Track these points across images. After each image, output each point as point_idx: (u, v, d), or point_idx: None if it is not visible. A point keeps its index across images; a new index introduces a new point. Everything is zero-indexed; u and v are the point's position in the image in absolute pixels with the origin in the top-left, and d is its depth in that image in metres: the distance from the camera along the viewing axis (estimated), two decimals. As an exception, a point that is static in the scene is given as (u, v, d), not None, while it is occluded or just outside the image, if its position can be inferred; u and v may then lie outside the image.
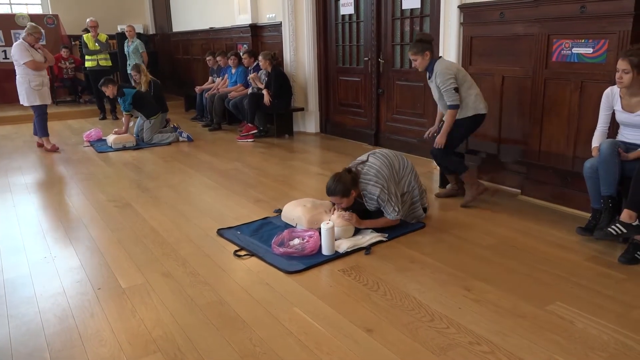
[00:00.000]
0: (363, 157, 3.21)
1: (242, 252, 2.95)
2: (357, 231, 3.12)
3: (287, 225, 3.30)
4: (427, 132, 3.89)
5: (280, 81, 6.28)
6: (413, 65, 3.58)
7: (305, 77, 6.66)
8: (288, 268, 2.70)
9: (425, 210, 3.37)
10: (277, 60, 6.54)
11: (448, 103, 3.52)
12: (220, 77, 7.68)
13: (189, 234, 3.29)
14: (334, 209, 3.15)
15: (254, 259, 2.87)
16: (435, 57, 3.57)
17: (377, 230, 3.13)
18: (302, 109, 6.74)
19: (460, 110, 3.57)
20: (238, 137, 6.43)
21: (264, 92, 6.29)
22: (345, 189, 2.99)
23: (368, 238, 3.02)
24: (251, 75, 6.64)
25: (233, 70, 7.28)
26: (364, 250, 2.91)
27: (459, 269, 2.67)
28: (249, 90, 6.72)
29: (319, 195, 3.78)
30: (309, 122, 6.81)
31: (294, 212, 3.29)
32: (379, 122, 5.80)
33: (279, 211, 3.57)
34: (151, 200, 4.07)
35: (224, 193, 4.20)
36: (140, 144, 6.24)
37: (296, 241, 2.97)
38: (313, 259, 2.80)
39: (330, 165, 4.95)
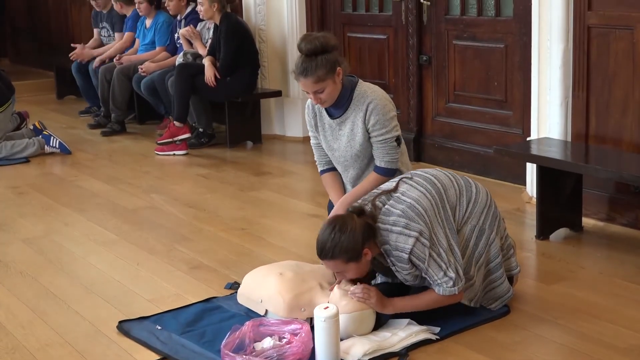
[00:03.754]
0: (389, 185, 3.26)
1: (166, 365, 2.97)
2: (380, 321, 3.14)
3: (251, 313, 3.33)
4: None
5: (237, 42, 6.32)
6: (313, 101, 3.56)
7: (285, 36, 6.73)
8: (252, 394, 2.72)
9: (511, 281, 3.41)
10: (232, 3, 6.59)
11: (382, 164, 3.57)
12: (124, 33, 7.72)
13: (64, 332, 3.28)
14: (337, 282, 3.18)
15: (187, 377, 2.89)
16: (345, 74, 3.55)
17: (417, 318, 3.15)
18: (278, 94, 6.79)
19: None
20: (157, 146, 6.48)
21: (206, 62, 6.37)
22: (351, 247, 3.00)
23: (402, 335, 3.03)
24: (182, 31, 6.70)
25: (147, 22, 7.34)
26: (397, 359, 2.94)
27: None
28: (178, 60, 6.79)
29: (309, 256, 3.80)
30: (292, 119, 6.85)
31: (263, 287, 3.31)
32: (421, 117, 5.88)
33: (236, 286, 3.60)
34: (-7, 267, 4.08)
35: (132, 253, 4.21)
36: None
37: (268, 342, 2.99)
38: (300, 377, 2.82)
39: (332, 199, 4.98)
